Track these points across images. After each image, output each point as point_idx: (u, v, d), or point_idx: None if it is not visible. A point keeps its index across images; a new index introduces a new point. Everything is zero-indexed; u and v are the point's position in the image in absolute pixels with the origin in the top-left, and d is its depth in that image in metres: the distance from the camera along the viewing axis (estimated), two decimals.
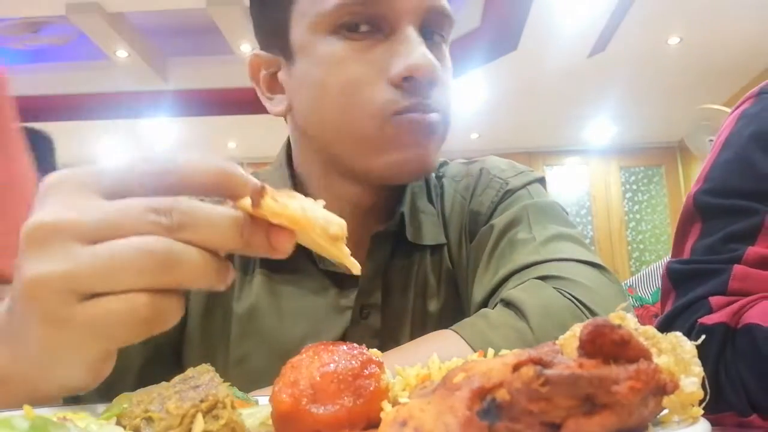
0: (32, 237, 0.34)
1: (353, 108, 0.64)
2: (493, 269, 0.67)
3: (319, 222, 0.36)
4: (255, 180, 0.37)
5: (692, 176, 5.96)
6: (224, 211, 0.36)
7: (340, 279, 0.73)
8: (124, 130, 5.19)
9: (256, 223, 0.37)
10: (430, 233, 0.75)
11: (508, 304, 0.58)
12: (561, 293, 0.58)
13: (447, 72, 0.69)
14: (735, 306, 0.64)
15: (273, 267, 0.74)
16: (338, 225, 0.37)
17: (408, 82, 0.62)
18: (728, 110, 0.81)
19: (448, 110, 0.68)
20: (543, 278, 0.60)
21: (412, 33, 0.63)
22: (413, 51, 0.62)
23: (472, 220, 0.76)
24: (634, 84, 4.85)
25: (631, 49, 4.25)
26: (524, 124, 5.58)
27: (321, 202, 0.38)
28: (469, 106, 5.05)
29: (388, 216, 0.73)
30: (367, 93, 0.63)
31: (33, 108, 4.74)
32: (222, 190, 0.37)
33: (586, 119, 5.59)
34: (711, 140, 3.05)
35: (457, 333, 0.56)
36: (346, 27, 0.63)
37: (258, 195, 0.36)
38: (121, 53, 4.37)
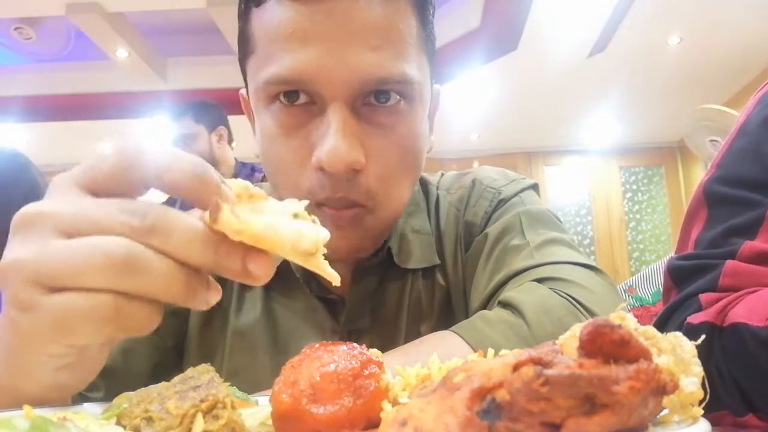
0: (17, 226, 0.36)
1: (285, 188, 0.63)
2: (488, 275, 0.68)
3: (288, 238, 0.33)
4: (226, 189, 0.35)
5: (692, 176, 5.97)
6: (199, 222, 0.35)
7: (330, 302, 0.73)
8: (124, 130, 5.19)
9: (235, 244, 0.35)
10: (421, 255, 0.74)
11: (505, 305, 0.59)
12: (557, 292, 0.58)
13: (396, 146, 0.63)
14: (720, 304, 0.62)
15: (269, 284, 0.74)
16: (311, 239, 0.34)
17: (322, 172, 0.60)
18: (729, 110, 0.80)
19: (383, 195, 0.63)
20: (539, 281, 0.61)
21: (332, 117, 0.59)
22: (325, 142, 0.58)
23: (466, 231, 0.76)
24: (634, 84, 4.84)
25: (631, 49, 4.25)
26: (524, 124, 5.58)
27: (303, 203, 0.35)
28: (469, 106, 5.05)
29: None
30: (294, 177, 0.62)
31: (33, 108, 4.74)
32: (192, 194, 0.36)
33: (586, 119, 5.59)
34: (711, 140, 3.05)
35: (455, 333, 0.56)
36: (285, 97, 0.61)
37: (215, 209, 0.33)
38: (121, 53, 4.36)
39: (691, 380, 0.28)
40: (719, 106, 3.38)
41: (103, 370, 0.58)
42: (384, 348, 0.73)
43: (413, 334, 0.72)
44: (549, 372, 0.23)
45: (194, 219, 0.35)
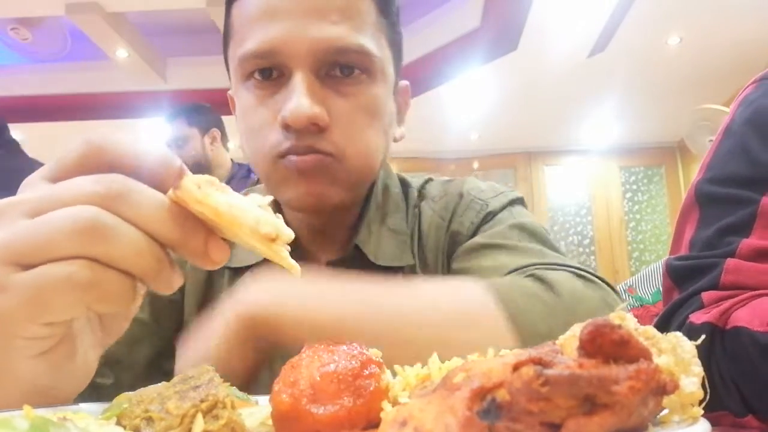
0: None
1: (255, 150, 0.69)
2: (491, 264, 0.67)
3: (248, 221, 0.34)
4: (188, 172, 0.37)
5: (692, 176, 5.94)
6: (162, 195, 0.36)
7: None
8: (124, 130, 5.20)
9: (198, 223, 0.36)
10: (395, 254, 0.74)
11: (538, 278, 0.57)
12: (588, 286, 0.57)
13: (359, 110, 0.68)
14: (723, 306, 0.63)
15: (260, 271, 0.75)
16: (271, 225, 0.34)
17: (287, 130, 0.66)
18: (728, 110, 0.80)
19: (350, 147, 0.67)
20: (570, 272, 0.59)
21: (297, 80, 0.65)
22: (289, 101, 0.65)
23: (451, 240, 0.76)
24: (634, 84, 4.84)
25: (631, 49, 4.25)
26: (524, 124, 5.58)
27: (268, 198, 0.36)
28: (468, 106, 5.05)
29: (350, 241, 0.74)
30: (262, 136, 0.68)
31: (33, 108, 4.74)
32: (155, 176, 0.37)
33: (586, 119, 5.59)
34: (711, 140, 3.05)
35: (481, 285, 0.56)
36: (260, 73, 0.68)
37: (179, 176, 0.34)
38: (121, 53, 4.36)
39: (691, 380, 0.28)
40: (719, 106, 3.38)
41: (108, 359, 0.59)
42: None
43: None
44: (549, 372, 0.23)
45: (160, 193, 0.36)
